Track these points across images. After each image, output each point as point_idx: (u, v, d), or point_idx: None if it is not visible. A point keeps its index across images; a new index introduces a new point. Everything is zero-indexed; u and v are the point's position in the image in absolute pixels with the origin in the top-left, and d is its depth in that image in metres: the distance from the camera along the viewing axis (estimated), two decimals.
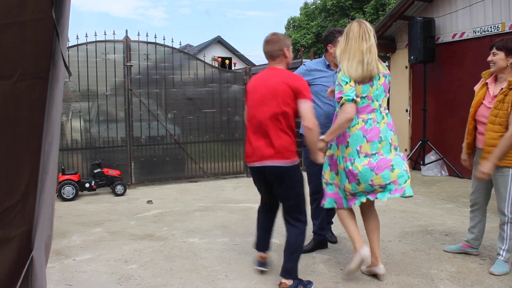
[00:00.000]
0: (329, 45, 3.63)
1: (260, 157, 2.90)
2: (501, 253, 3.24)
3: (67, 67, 1.46)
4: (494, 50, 3.25)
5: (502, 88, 3.18)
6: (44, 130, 1.47)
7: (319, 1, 19.99)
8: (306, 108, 2.83)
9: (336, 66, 3.31)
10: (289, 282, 2.90)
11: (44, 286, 1.57)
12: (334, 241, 3.96)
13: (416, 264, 3.42)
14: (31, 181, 1.48)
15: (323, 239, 3.81)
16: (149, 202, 5.75)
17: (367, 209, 3.19)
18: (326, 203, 3.20)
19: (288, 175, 2.89)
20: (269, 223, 3.27)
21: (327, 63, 3.69)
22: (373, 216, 3.19)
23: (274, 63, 3.03)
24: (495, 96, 3.24)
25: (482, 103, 3.38)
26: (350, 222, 3.15)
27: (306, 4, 19.69)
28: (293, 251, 2.94)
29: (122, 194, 6.17)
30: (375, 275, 3.15)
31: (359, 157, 2.95)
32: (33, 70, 1.41)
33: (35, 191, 1.48)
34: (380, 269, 3.10)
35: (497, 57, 3.24)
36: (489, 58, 3.31)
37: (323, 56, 3.77)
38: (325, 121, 3.39)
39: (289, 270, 2.93)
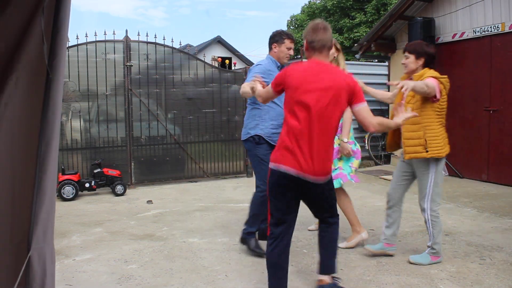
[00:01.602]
0: (274, 44, 3.74)
1: None
2: (428, 245, 3.46)
3: (47, 67, 1.45)
4: (406, 53, 3.44)
5: (411, 78, 3.41)
6: (40, 130, 1.46)
7: (318, 1, 19.98)
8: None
9: (283, 66, 3.71)
10: (329, 278, 2.85)
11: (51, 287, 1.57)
12: None
13: (416, 264, 3.42)
14: (26, 181, 1.47)
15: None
16: (149, 202, 5.75)
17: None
18: (335, 183, 3.52)
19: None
20: (287, 260, 2.70)
21: (278, 63, 3.77)
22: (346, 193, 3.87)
23: (321, 55, 2.61)
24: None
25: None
26: (351, 207, 3.82)
27: (310, 3, 19.70)
28: (335, 246, 2.86)
29: (122, 194, 6.17)
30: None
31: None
32: (27, 70, 1.40)
33: (31, 191, 1.48)
34: (365, 234, 3.81)
35: (408, 60, 3.43)
36: (402, 61, 3.52)
37: (269, 55, 3.81)
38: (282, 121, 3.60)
39: (332, 266, 2.84)
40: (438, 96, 3.31)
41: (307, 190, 2.57)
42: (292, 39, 3.83)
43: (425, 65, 3.41)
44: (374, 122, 2.60)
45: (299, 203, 2.70)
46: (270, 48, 3.79)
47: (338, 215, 2.86)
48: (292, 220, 2.67)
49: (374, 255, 3.58)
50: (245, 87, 3.22)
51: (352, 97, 2.57)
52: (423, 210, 3.43)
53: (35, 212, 1.50)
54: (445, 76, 3.39)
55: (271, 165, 2.60)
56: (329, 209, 2.78)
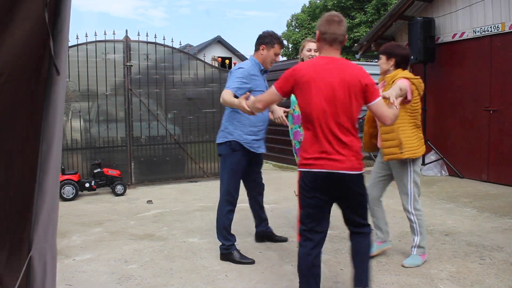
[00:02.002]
0: (263, 46, 3.51)
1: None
2: (412, 248, 3.49)
3: (55, 66, 1.44)
4: (379, 55, 3.53)
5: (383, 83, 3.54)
6: (41, 131, 1.46)
7: (319, 1, 19.98)
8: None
9: (266, 71, 3.62)
10: None
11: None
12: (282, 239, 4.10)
13: (412, 267, 3.42)
14: (27, 181, 1.47)
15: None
16: (149, 202, 5.75)
17: None
18: None
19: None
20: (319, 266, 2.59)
21: (261, 67, 3.57)
22: None
23: (331, 49, 2.51)
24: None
25: None
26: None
27: (311, 3, 19.71)
28: (369, 257, 2.62)
29: (122, 194, 6.17)
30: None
31: None
32: (23, 70, 1.40)
33: (31, 192, 1.47)
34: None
35: (380, 61, 3.52)
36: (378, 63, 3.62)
37: (252, 57, 3.58)
38: (263, 126, 3.62)
39: (368, 278, 2.56)
40: (409, 97, 3.30)
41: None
42: (282, 45, 3.62)
43: (396, 66, 3.45)
44: (390, 115, 2.56)
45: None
46: (257, 49, 3.56)
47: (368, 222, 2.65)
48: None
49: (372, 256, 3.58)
50: (234, 102, 3.10)
51: (365, 93, 2.46)
52: (408, 212, 3.48)
53: (36, 212, 1.50)
54: (418, 77, 3.45)
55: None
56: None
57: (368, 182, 3.63)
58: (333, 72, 2.42)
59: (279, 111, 3.58)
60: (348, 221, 2.61)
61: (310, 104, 2.43)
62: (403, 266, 3.41)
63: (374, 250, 3.55)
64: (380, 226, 3.63)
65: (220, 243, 3.62)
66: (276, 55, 3.54)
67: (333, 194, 2.49)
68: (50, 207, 1.51)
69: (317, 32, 2.55)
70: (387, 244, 3.67)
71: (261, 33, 3.59)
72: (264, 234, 4.06)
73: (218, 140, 3.62)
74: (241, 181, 3.79)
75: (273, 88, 2.58)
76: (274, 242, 4.02)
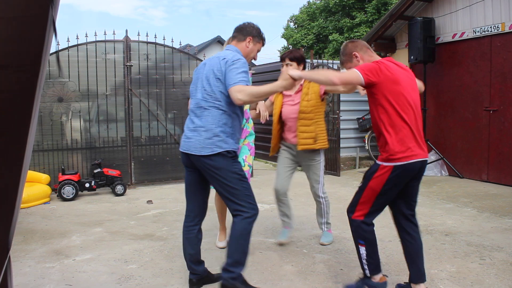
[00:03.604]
0: (250, 38, 3.03)
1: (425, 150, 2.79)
2: (323, 227, 3.98)
3: (59, 67, 1.44)
4: (287, 61, 3.75)
5: (301, 84, 3.80)
6: (30, 128, 1.44)
7: (319, 1, 19.97)
8: None
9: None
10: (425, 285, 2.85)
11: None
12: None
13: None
14: (14, 180, 1.46)
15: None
16: (149, 202, 5.75)
17: None
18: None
19: None
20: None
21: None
22: None
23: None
24: (297, 93, 3.81)
25: (283, 106, 3.86)
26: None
27: (309, 3, 19.71)
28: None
29: (122, 194, 6.17)
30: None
31: None
32: (26, 64, 1.39)
33: (16, 190, 1.47)
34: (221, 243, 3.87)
35: (292, 68, 3.71)
36: (282, 69, 3.74)
37: (236, 48, 3.00)
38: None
39: (424, 271, 2.86)
40: (321, 92, 3.75)
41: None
42: (263, 44, 3.17)
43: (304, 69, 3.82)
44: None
45: None
46: (242, 39, 3.02)
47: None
48: None
49: (281, 244, 3.93)
50: (274, 85, 2.72)
51: None
52: (319, 197, 3.88)
53: (17, 212, 1.51)
54: None
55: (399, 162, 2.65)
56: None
57: (278, 178, 3.92)
58: (408, 75, 2.85)
59: (265, 110, 3.78)
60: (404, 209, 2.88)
61: (405, 102, 2.69)
62: (322, 244, 3.88)
63: (286, 237, 3.97)
64: (288, 214, 3.98)
65: (222, 273, 2.78)
66: (258, 51, 3.14)
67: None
68: (19, 207, 1.54)
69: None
70: (292, 229, 4.07)
71: (242, 23, 3.10)
72: None
73: (209, 152, 2.74)
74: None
75: (358, 74, 2.64)
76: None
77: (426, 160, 2.78)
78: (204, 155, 2.74)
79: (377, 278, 2.81)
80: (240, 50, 3.00)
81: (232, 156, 2.79)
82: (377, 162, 2.74)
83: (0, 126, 1.38)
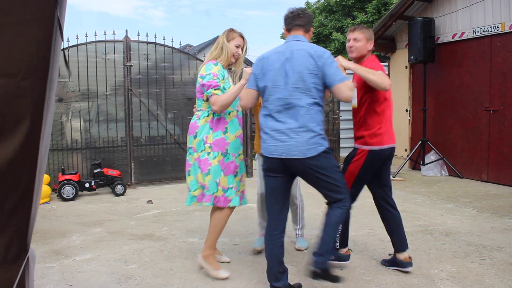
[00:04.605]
0: (312, 29, 2.91)
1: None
2: (298, 232, 3.89)
3: (67, 66, 1.47)
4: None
5: None
6: (42, 130, 1.47)
7: (321, 1, 19.95)
8: None
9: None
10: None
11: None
12: None
13: (416, 264, 3.41)
14: (30, 180, 1.48)
15: None
16: (149, 202, 5.75)
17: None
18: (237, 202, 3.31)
19: None
20: None
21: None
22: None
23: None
24: None
25: None
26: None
27: (307, 3, 19.68)
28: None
29: (122, 194, 6.17)
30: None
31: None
32: (35, 69, 1.41)
33: (32, 191, 1.49)
34: (223, 257, 3.55)
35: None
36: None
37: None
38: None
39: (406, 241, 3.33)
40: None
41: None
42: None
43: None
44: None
45: None
46: (309, 30, 2.85)
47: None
48: None
49: (259, 252, 3.69)
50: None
51: None
52: (295, 198, 3.78)
53: (34, 213, 1.51)
54: None
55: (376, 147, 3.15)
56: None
57: (261, 183, 3.73)
58: None
59: None
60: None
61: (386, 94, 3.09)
62: (299, 250, 3.76)
63: (262, 244, 3.52)
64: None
65: (315, 258, 2.71)
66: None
67: None
68: (36, 211, 1.55)
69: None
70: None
71: (298, 9, 2.84)
72: None
73: (313, 152, 2.61)
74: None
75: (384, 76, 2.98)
76: None
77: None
78: (310, 156, 2.59)
79: (343, 250, 3.39)
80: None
81: (330, 152, 2.71)
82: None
83: (13, 131, 1.40)
